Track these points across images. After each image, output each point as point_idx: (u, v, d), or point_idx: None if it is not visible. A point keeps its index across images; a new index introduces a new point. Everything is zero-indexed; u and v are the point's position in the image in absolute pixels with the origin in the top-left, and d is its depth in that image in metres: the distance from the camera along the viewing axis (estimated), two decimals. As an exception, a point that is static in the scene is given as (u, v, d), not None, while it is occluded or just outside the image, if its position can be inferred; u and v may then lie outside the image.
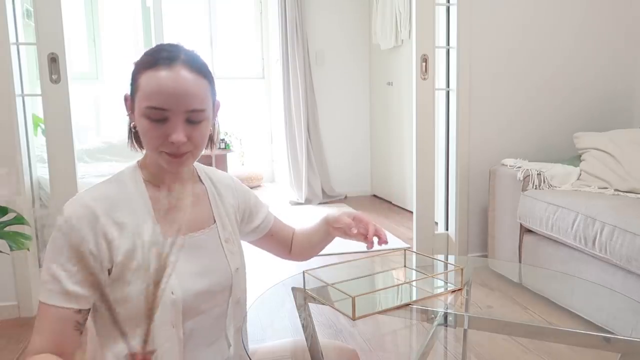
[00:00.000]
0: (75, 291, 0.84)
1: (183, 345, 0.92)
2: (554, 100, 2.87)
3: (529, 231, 2.40)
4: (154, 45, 0.96)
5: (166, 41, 0.96)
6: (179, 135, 0.85)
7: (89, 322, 0.93)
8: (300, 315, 1.19)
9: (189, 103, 0.85)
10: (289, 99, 4.65)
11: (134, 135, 0.95)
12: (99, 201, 0.88)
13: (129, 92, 0.91)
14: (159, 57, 0.87)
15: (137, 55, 0.94)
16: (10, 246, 1.66)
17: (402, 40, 4.14)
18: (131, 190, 0.92)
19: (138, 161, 0.97)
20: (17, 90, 2.25)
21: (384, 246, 1.11)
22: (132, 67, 0.91)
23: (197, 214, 0.99)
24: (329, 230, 1.15)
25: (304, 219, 4.14)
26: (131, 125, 0.93)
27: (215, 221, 1.00)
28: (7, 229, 1.72)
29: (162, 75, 0.84)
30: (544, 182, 2.40)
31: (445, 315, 1.19)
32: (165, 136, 0.86)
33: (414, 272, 1.44)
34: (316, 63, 4.78)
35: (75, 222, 0.85)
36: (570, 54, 2.85)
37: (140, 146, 0.96)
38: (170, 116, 0.85)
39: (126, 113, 0.93)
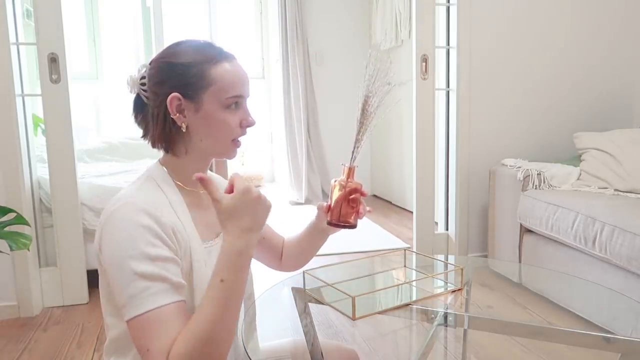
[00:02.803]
0: (179, 281, 0.81)
1: None
2: (554, 100, 2.87)
3: (529, 231, 2.40)
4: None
5: (166, 41, 0.96)
6: (253, 117, 0.95)
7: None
8: (302, 322, 1.19)
9: (250, 89, 0.96)
10: (289, 99, 4.65)
11: (167, 136, 0.92)
12: (151, 204, 0.85)
13: (178, 93, 0.88)
14: (218, 52, 0.92)
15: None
16: (10, 246, 1.66)
17: (402, 40, 4.14)
18: (170, 195, 0.90)
19: (160, 162, 0.94)
20: (17, 90, 2.25)
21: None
22: (181, 67, 0.89)
23: (213, 217, 1.00)
24: (322, 225, 1.11)
25: (304, 219, 4.14)
26: (181, 125, 0.90)
27: None
28: (7, 229, 1.72)
29: (235, 67, 0.92)
30: (544, 182, 2.40)
31: (445, 315, 1.19)
32: (239, 122, 0.93)
33: (414, 272, 1.45)
34: (316, 63, 4.77)
35: (149, 208, 0.83)
36: (570, 54, 2.85)
37: (167, 148, 0.93)
38: (243, 103, 0.94)
39: (172, 115, 0.89)
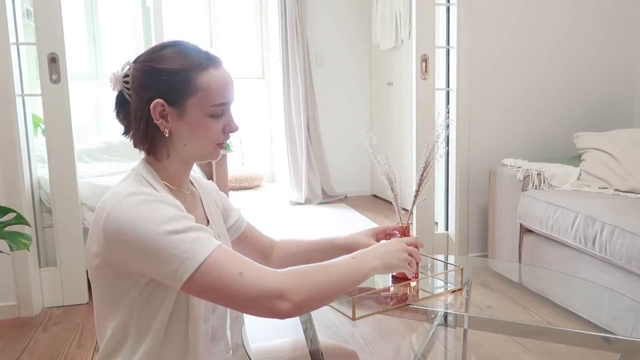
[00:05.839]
0: (210, 230, 0.85)
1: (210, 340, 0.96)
2: (554, 100, 2.87)
3: (529, 231, 2.40)
4: (154, 45, 0.94)
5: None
6: (236, 123, 0.95)
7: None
8: (301, 321, 1.19)
9: (234, 93, 0.95)
10: (289, 99, 4.64)
11: (149, 139, 0.92)
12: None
13: (162, 99, 0.88)
14: (205, 57, 0.91)
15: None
16: (10, 246, 1.66)
17: (402, 40, 4.14)
18: (163, 194, 0.89)
19: (145, 161, 0.94)
20: (17, 90, 2.25)
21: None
22: (167, 73, 0.88)
23: (199, 215, 1.00)
24: (352, 247, 1.18)
25: (304, 219, 4.14)
26: (164, 130, 0.89)
27: (209, 221, 1.02)
28: (7, 229, 1.72)
29: (221, 73, 0.92)
30: (544, 182, 2.40)
31: (445, 315, 1.19)
32: (222, 128, 0.93)
33: (414, 272, 1.44)
34: (316, 63, 4.77)
35: (152, 195, 0.84)
36: (570, 54, 2.85)
37: (149, 151, 0.93)
38: (227, 109, 0.94)
39: (155, 120, 0.88)
